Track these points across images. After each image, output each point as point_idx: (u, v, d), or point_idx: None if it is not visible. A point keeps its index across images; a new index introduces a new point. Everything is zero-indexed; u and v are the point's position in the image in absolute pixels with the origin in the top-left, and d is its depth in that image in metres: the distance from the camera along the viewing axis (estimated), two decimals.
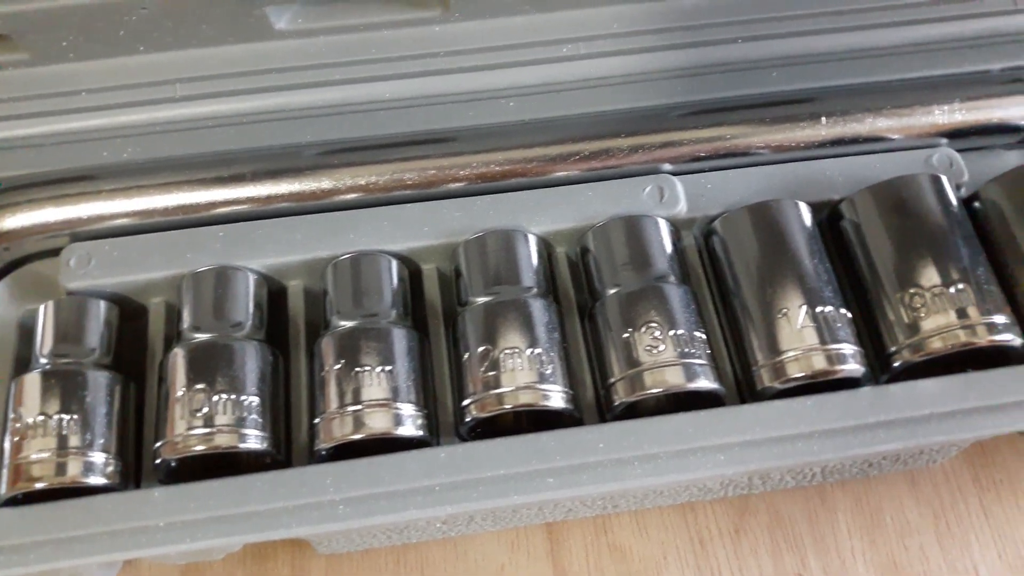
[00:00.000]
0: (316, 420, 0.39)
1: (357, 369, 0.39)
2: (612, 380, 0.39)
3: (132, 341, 0.43)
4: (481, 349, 0.39)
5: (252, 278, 0.42)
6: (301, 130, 0.46)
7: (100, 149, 0.46)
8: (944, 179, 0.43)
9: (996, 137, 0.46)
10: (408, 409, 0.38)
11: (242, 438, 0.38)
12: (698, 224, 0.44)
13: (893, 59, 0.48)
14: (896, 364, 0.40)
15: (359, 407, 0.38)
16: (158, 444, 0.38)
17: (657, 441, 0.38)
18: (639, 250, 0.42)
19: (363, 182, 0.44)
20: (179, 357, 0.39)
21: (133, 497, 0.37)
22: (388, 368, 0.39)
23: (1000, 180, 0.43)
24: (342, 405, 0.38)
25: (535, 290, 0.41)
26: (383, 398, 0.38)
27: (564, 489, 0.37)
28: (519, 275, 0.41)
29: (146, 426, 0.41)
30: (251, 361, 0.39)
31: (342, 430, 0.38)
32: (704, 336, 0.40)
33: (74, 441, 0.38)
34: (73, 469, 0.37)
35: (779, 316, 0.39)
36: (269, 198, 0.43)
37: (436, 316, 0.43)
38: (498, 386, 0.38)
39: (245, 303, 0.41)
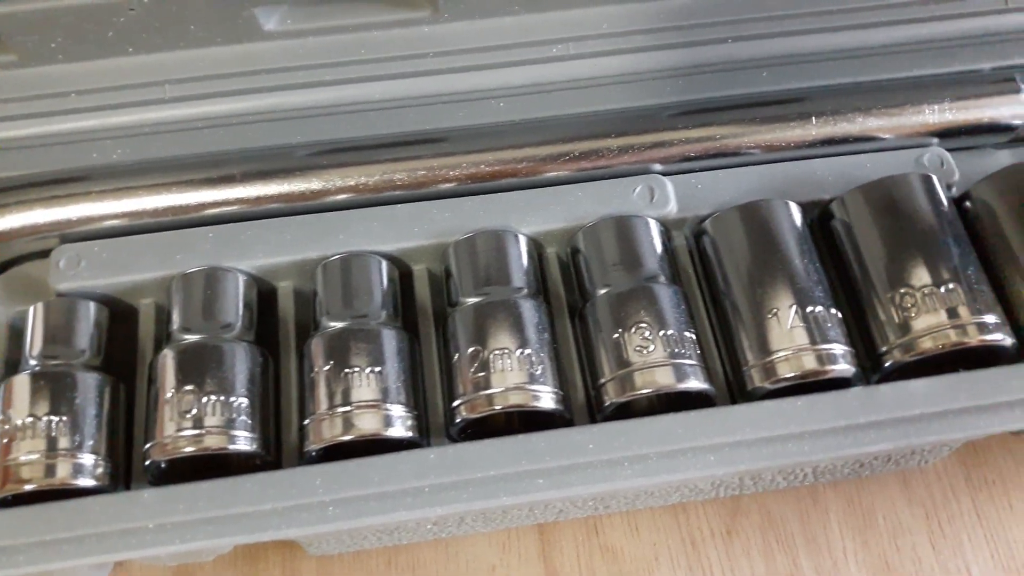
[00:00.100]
0: (306, 421, 0.39)
1: (346, 370, 0.38)
2: (602, 381, 0.39)
3: (122, 342, 0.43)
4: (471, 350, 0.39)
5: (242, 279, 0.42)
6: (291, 131, 0.46)
7: (90, 150, 0.46)
8: (935, 179, 0.43)
9: (987, 136, 0.46)
10: (398, 410, 0.38)
11: (231, 439, 0.38)
12: (688, 224, 0.44)
13: (883, 59, 0.48)
14: (887, 364, 0.39)
15: (349, 408, 0.38)
16: (147, 446, 0.38)
17: (647, 442, 0.37)
18: (629, 250, 0.42)
19: (353, 183, 0.44)
20: (168, 358, 0.39)
21: (122, 499, 0.37)
22: (378, 369, 0.39)
23: (991, 179, 0.43)
24: (331, 406, 0.38)
25: (525, 291, 0.41)
26: (373, 399, 0.38)
27: (554, 490, 0.37)
28: (509, 276, 0.41)
29: (136, 427, 0.41)
30: (240, 362, 0.39)
31: (331, 431, 0.38)
32: (694, 336, 0.40)
33: (63, 443, 0.38)
34: (62, 471, 0.37)
35: (769, 316, 0.39)
36: (259, 199, 0.43)
37: (426, 317, 0.43)
38: (488, 387, 0.38)
39: (235, 304, 0.41)
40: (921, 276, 0.39)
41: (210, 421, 0.38)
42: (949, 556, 0.43)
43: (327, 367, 0.39)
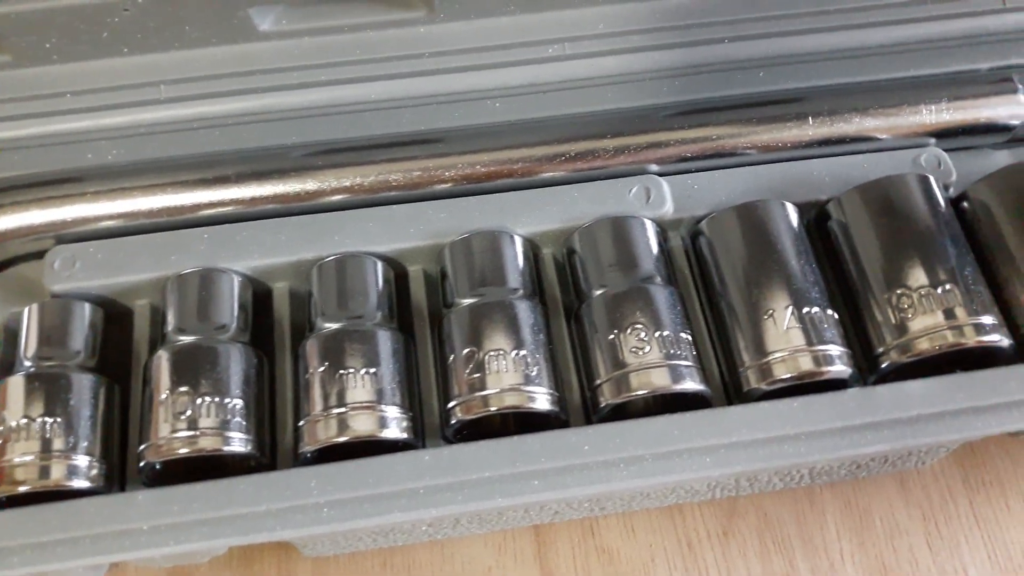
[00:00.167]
0: (300, 423, 0.39)
1: (341, 371, 0.38)
2: (598, 382, 0.39)
3: (117, 343, 0.43)
4: (466, 351, 0.39)
5: (237, 280, 0.42)
6: (286, 131, 0.46)
7: (85, 151, 0.46)
8: (932, 179, 0.43)
9: (984, 137, 0.46)
10: (393, 411, 0.38)
11: (226, 441, 0.38)
12: (685, 225, 0.44)
13: (881, 59, 0.48)
14: (884, 365, 0.39)
15: (343, 409, 0.38)
16: (142, 447, 0.38)
17: (643, 443, 0.37)
18: (625, 251, 0.41)
19: (349, 183, 0.43)
20: (163, 359, 0.39)
21: (116, 500, 0.37)
22: (373, 370, 0.39)
23: (988, 180, 0.43)
24: (326, 407, 0.38)
25: (521, 291, 0.41)
26: (368, 400, 0.38)
27: (549, 491, 0.37)
28: (505, 276, 0.41)
29: (131, 429, 0.41)
30: (235, 364, 0.39)
31: (326, 432, 0.38)
32: (690, 337, 0.40)
33: (58, 444, 0.38)
34: (57, 472, 0.37)
35: (765, 317, 0.39)
36: (254, 200, 0.43)
37: (422, 318, 0.43)
38: (483, 388, 0.38)
39: (230, 305, 0.41)
40: (918, 277, 0.39)
41: (205, 423, 0.38)
42: (946, 558, 0.43)
43: (322, 368, 0.39)
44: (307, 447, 0.38)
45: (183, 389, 0.38)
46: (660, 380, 0.38)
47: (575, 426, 0.39)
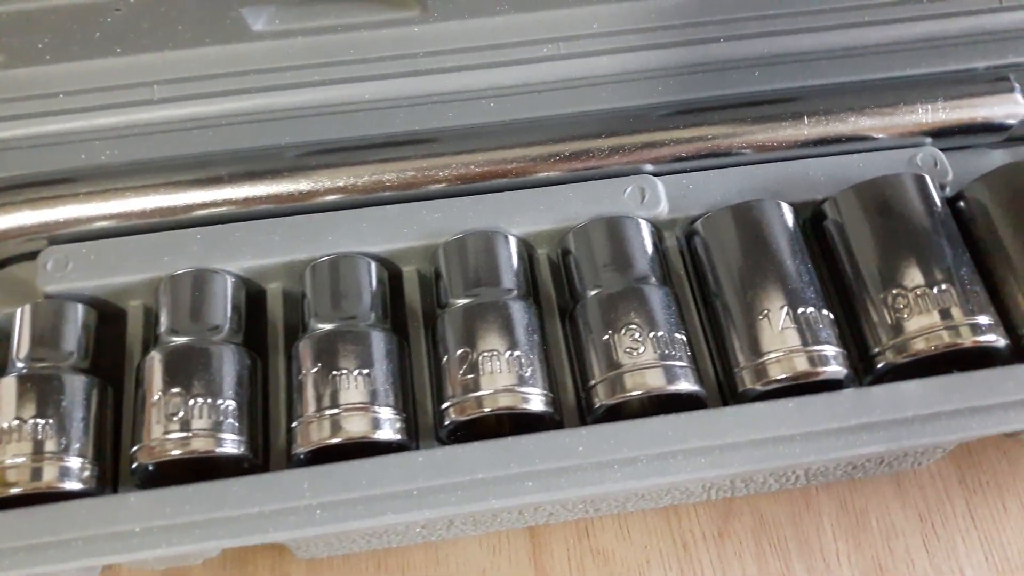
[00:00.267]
0: (294, 424, 0.38)
1: (335, 372, 0.38)
2: (592, 382, 0.39)
3: (111, 344, 0.43)
4: (460, 352, 0.39)
5: (230, 281, 0.42)
6: (280, 131, 0.45)
7: (78, 151, 0.45)
8: (928, 179, 0.43)
9: (981, 136, 0.46)
10: (386, 412, 0.38)
11: (219, 442, 0.37)
12: (680, 225, 0.44)
13: (877, 58, 0.47)
14: (879, 365, 0.39)
15: (337, 411, 0.38)
16: (135, 448, 0.38)
17: (637, 444, 0.37)
18: (619, 251, 0.41)
19: (342, 183, 0.43)
20: (156, 361, 0.39)
21: (109, 502, 0.37)
22: (366, 371, 0.38)
23: (985, 179, 0.43)
24: (319, 409, 0.38)
25: (515, 292, 0.41)
26: (361, 402, 0.38)
27: (543, 493, 0.37)
28: (499, 277, 0.41)
29: (124, 430, 0.40)
30: (228, 365, 0.39)
31: (319, 434, 0.37)
32: (685, 338, 0.40)
33: (50, 446, 0.37)
34: (49, 474, 0.37)
35: (760, 317, 0.39)
36: (247, 200, 0.43)
37: (416, 318, 0.43)
38: (477, 389, 0.38)
39: (223, 306, 0.41)
40: (914, 277, 0.39)
41: (197, 424, 0.37)
42: (943, 559, 0.43)
43: (315, 369, 0.39)
44: (300, 448, 0.38)
45: (176, 390, 0.38)
46: (654, 381, 0.38)
47: (569, 427, 0.39)
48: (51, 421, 0.38)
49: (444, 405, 0.39)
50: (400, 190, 0.44)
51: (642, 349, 0.38)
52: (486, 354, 0.38)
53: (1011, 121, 0.46)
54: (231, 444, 0.38)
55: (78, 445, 0.38)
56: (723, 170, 0.45)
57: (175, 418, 0.37)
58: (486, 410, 0.38)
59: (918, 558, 0.43)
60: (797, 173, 0.44)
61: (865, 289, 0.40)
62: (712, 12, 0.47)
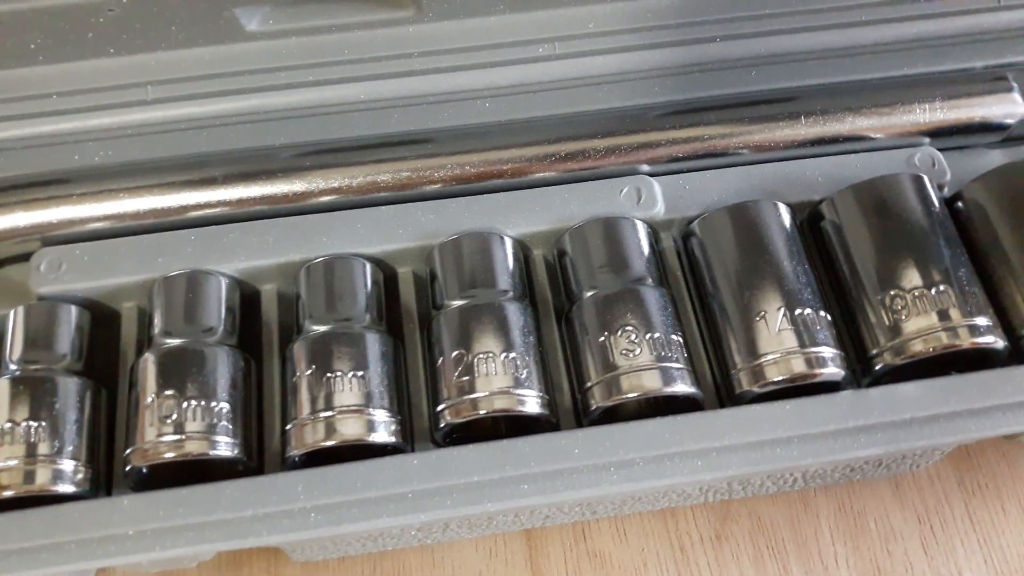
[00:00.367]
0: (288, 426, 0.38)
1: (329, 374, 0.38)
2: (589, 384, 0.39)
3: (105, 346, 0.42)
4: (455, 353, 0.39)
5: (224, 282, 0.42)
6: (274, 132, 0.45)
7: (71, 152, 0.45)
8: (926, 179, 0.42)
9: (979, 136, 0.46)
10: (381, 415, 0.38)
11: (212, 445, 0.37)
12: (676, 226, 0.44)
13: (874, 57, 0.47)
14: (877, 367, 0.39)
15: (331, 413, 0.37)
16: (128, 451, 0.38)
17: (633, 447, 0.37)
18: (616, 252, 0.41)
19: (337, 184, 0.43)
20: (149, 363, 0.39)
21: (102, 505, 0.37)
22: (361, 373, 0.38)
23: (983, 179, 0.43)
24: (314, 411, 0.38)
25: (511, 293, 0.41)
26: (356, 404, 0.38)
27: (539, 496, 0.36)
28: (494, 278, 0.41)
29: (118, 432, 0.40)
30: (222, 367, 0.39)
31: (313, 436, 0.37)
32: (681, 339, 0.39)
33: (43, 448, 0.37)
34: (42, 477, 0.37)
35: (757, 319, 0.39)
36: (241, 201, 0.43)
37: (411, 320, 0.43)
38: (472, 391, 0.38)
39: (217, 308, 0.41)
40: (912, 278, 0.39)
41: (191, 426, 0.37)
42: (942, 561, 0.42)
43: (309, 371, 0.38)
44: (294, 451, 0.37)
45: (169, 392, 0.38)
46: (651, 383, 0.38)
47: (566, 429, 0.39)
48: (44, 423, 0.38)
49: (439, 407, 0.38)
50: (395, 191, 0.44)
51: (638, 351, 0.38)
52: (482, 356, 0.38)
53: (1009, 121, 0.45)
54: (225, 447, 0.37)
55: (71, 448, 0.38)
56: (720, 170, 0.44)
57: (169, 420, 0.37)
58: (481, 412, 0.37)
59: (917, 561, 0.43)
60: (794, 173, 0.44)
61: (863, 290, 0.40)
62: (708, 12, 0.47)
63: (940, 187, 0.44)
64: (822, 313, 0.39)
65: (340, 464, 0.37)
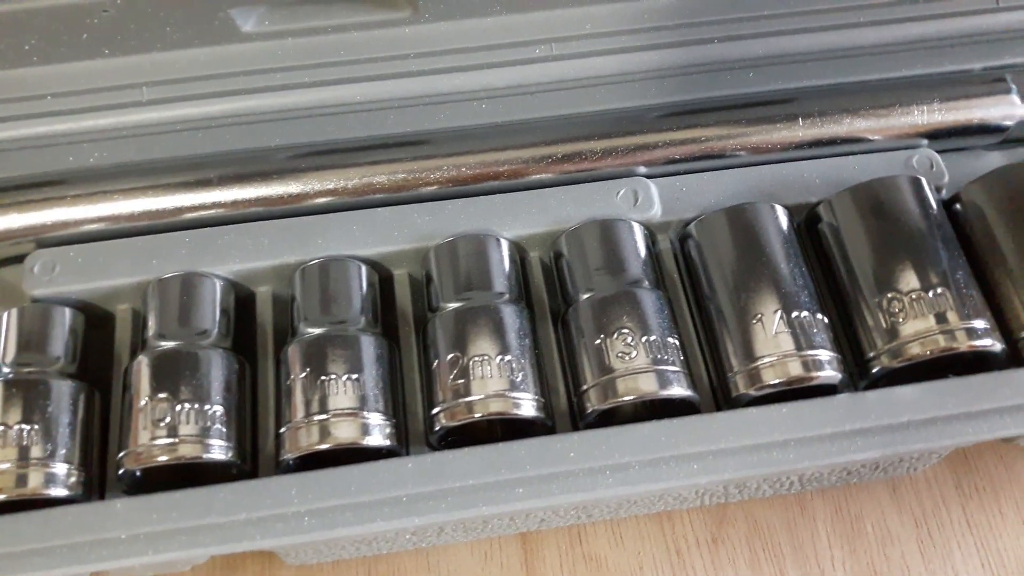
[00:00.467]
0: (282, 429, 0.38)
1: (323, 377, 0.38)
2: (584, 387, 0.39)
3: (99, 349, 0.42)
4: (450, 356, 0.38)
5: (219, 284, 0.41)
6: (270, 134, 0.45)
7: (66, 154, 0.45)
8: (924, 181, 0.42)
9: (977, 138, 0.46)
10: (376, 418, 0.38)
11: (206, 448, 0.37)
12: (673, 228, 0.44)
13: (872, 59, 0.47)
14: (875, 370, 0.39)
15: (325, 416, 0.37)
16: (121, 454, 0.37)
17: (629, 450, 0.37)
18: (612, 254, 0.41)
19: (333, 186, 0.43)
20: (143, 365, 0.39)
21: (94, 509, 0.37)
22: (355, 376, 0.38)
23: (981, 181, 0.43)
24: (308, 414, 0.37)
25: (506, 296, 0.41)
26: (350, 407, 0.37)
27: (534, 499, 0.36)
28: (490, 280, 0.41)
29: (112, 435, 0.40)
30: (216, 370, 0.39)
31: (308, 440, 0.37)
32: (678, 342, 0.39)
33: (36, 452, 0.37)
34: (34, 480, 0.37)
35: (754, 321, 0.39)
36: (236, 203, 0.43)
37: (407, 322, 0.43)
38: (468, 394, 0.37)
39: (211, 310, 0.41)
40: (909, 280, 0.39)
41: (184, 430, 0.37)
42: (938, 565, 0.42)
43: (303, 374, 0.38)
44: (288, 454, 0.37)
45: (163, 395, 0.37)
46: (647, 386, 0.37)
47: (562, 432, 0.39)
48: (37, 426, 0.37)
49: (434, 410, 0.38)
50: (391, 192, 0.43)
51: (634, 353, 0.38)
52: (477, 359, 0.38)
53: (1008, 122, 0.45)
54: (218, 450, 0.37)
55: (64, 451, 0.38)
56: (717, 172, 0.44)
57: (162, 423, 0.37)
58: (476, 415, 0.37)
59: (913, 564, 0.42)
60: (792, 175, 0.44)
61: (860, 293, 0.40)
62: (706, 13, 0.46)
63: (938, 189, 0.44)
64: (819, 316, 0.39)
65: (334, 468, 0.37)
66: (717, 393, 0.40)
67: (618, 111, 0.45)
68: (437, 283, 0.41)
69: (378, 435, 0.37)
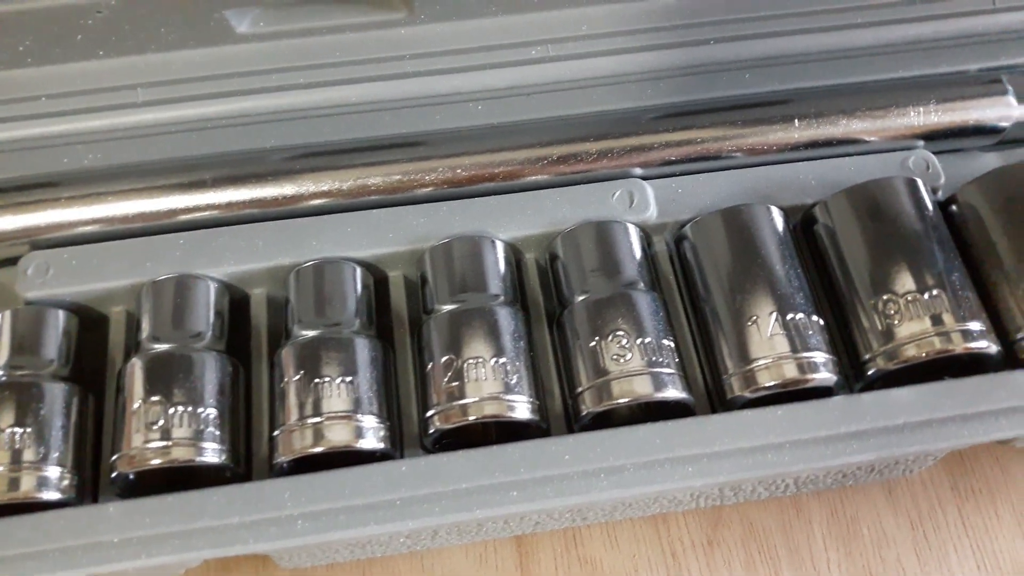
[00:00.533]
0: (275, 432, 0.38)
1: (317, 380, 0.38)
2: (579, 390, 0.38)
3: (93, 351, 0.42)
4: (445, 359, 0.38)
5: (213, 287, 0.41)
6: (265, 135, 0.45)
7: (60, 155, 0.45)
8: (920, 182, 0.42)
9: (973, 139, 0.46)
10: (370, 421, 0.37)
11: (199, 451, 0.37)
12: (669, 229, 0.44)
13: (868, 60, 0.47)
14: (870, 372, 0.39)
15: (319, 419, 0.37)
16: (114, 457, 0.37)
17: (624, 453, 0.37)
18: (607, 256, 0.41)
19: (327, 188, 0.43)
20: (136, 368, 0.38)
21: (86, 512, 0.36)
22: (349, 379, 0.38)
23: (977, 182, 0.42)
24: (302, 417, 0.37)
25: (502, 298, 0.40)
26: (344, 410, 0.37)
27: (528, 502, 0.36)
28: (486, 283, 0.41)
29: (105, 438, 0.40)
30: (210, 372, 0.39)
31: (301, 443, 0.37)
32: (672, 344, 0.39)
33: (28, 455, 0.37)
34: (27, 484, 0.37)
35: (749, 323, 0.38)
36: (231, 205, 0.43)
37: (402, 324, 0.42)
38: (462, 397, 0.37)
39: (205, 312, 0.41)
40: (905, 282, 0.39)
41: (178, 432, 0.37)
42: (935, 567, 0.42)
43: (297, 377, 0.38)
44: (282, 458, 0.37)
45: (156, 398, 0.37)
46: (641, 388, 0.37)
47: (557, 434, 0.39)
48: (30, 430, 0.37)
49: (429, 413, 0.38)
50: (386, 194, 0.43)
51: (629, 356, 0.38)
52: (471, 361, 0.38)
53: (1004, 124, 0.45)
54: (212, 453, 0.37)
55: (57, 454, 0.37)
56: (713, 174, 0.44)
57: (155, 426, 0.37)
58: (471, 418, 0.37)
59: (909, 566, 0.42)
60: (788, 177, 0.44)
61: (856, 294, 0.40)
62: (702, 14, 0.46)
63: (934, 190, 0.43)
64: (814, 318, 0.39)
65: (328, 471, 0.37)
66: (712, 395, 0.40)
67: (614, 112, 0.45)
68: (432, 285, 0.41)
69: (372, 438, 0.37)
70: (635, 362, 0.38)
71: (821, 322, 0.39)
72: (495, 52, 0.46)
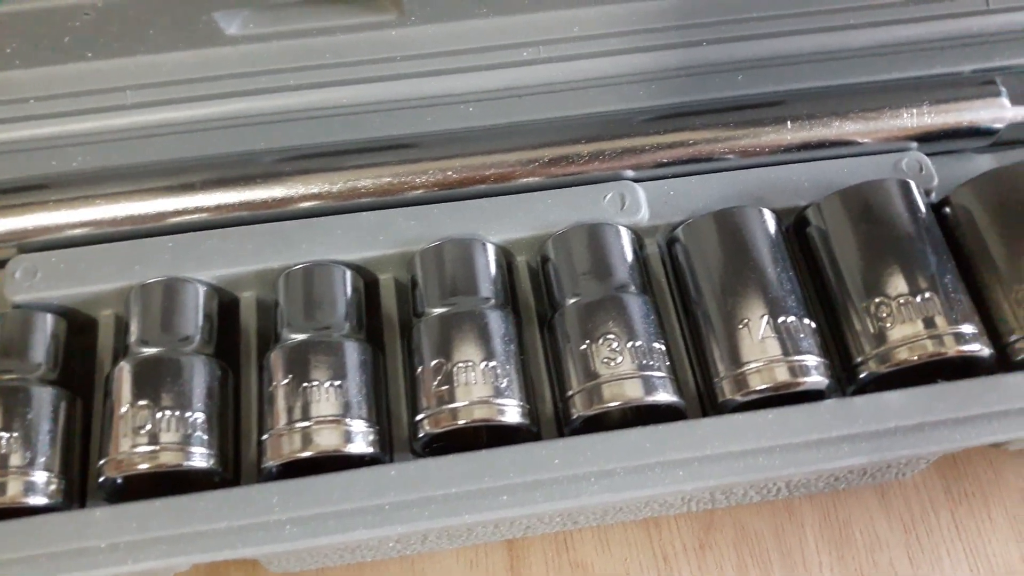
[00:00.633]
0: (264, 436, 0.38)
1: (306, 384, 0.38)
2: (570, 393, 0.38)
3: (81, 355, 0.42)
4: (435, 362, 0.38)
5: (202, 290, 0.41)
6: (254, 137, 0.45)
7: (49, 158, 0.45)
8: (913, 184, 0.42)
9: (967, 140, 0.45)
10: (359, 425, 0.37)
11: (187, 456, 0.37)
12: (661, 232, 0.43)
13: (861, 61, 0.47)
14: (862, 375, 0.39)
15: (308, 423, 0.37)
16: (102, 462, 0.37)
17: (614, 456, 0.37)
18: (599, 259, 0.41)
19: (317, 190, 0.43)
20: (124, 372, 0.38)
21: (74, 517, 0.36)
22: (339, 383, 0.38)
23: (971, 184, 0.42)
24: (290, 421, 0.37)
25: (492, 301, 0.40)
26: (333, 414, 0.37)
27: (518, 507, 0.36)
28: (476, 286, 0.40)
29: (93, 443, 0.40)
30: (198, 376, 0.38)
31: (290, 447, 0.37)
32: (664, 347, 0.39)
33: (15, 460, 0.37)
34: (13, 489, 0.36)
35: (740, 326, 0.38)
36: (220, 207, 0.42)
37: (393, 327, 0.42)
38: (452, 400, 0.37)
39: (194, 316, 0.40)
40: (897, 285, 0.38)
41: (166, 437, 0.37)
42: (927, 570, 0.42)
43: (286, 381, 0.38)
44: (270, 462, 0.37)
45: (144, 402, 0.37)
46: (632, 391, 0.37)
47: (548, 438, 0.38)
48: (17, 434, 0.37)
49: (418, 417, 0.38)
50: (377, 196, 0.43)
51: (620, 359, 0.38)
52: (461, 365, 0.38)
53: (997, 125, 0.45)
54: (200, 458, 0.37)
55: (44, 459, 0.37)
56: (705, 176, 0.44)
57: (143, 431, 0.37)
58: (460, 422, 0.37)
59: (902, 570, 0.42)
60: (780, 179, 0.44)
61: (848, 297, 0.40)
62: (695, 16, 0.46)
63: (927, 192, 0.43)
64: (806, 321, 0.39)
65: (317, 475, 0.36)
66: (703, 399, 0.40)
67: (606, 114, 0.45)
68: (422, 288, 0.41)
69: (361, 442, 0.37)
70: (626, 365, 0.37)
71: (813, 325, 0.39)
72: (486, 54, 0.46)
